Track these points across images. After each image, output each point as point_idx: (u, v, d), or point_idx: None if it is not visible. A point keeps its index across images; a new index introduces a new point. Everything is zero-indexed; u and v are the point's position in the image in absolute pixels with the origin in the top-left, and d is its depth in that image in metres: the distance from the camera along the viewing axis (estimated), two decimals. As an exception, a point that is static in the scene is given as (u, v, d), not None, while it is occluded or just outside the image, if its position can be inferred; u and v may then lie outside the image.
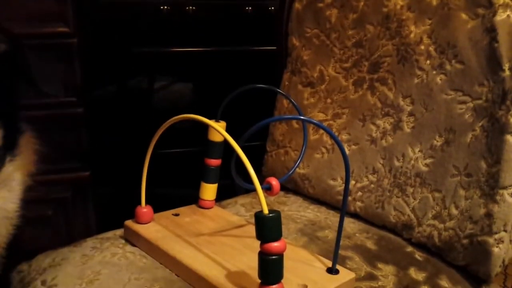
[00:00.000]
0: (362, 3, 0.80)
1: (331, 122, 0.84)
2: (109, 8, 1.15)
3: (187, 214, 0.73)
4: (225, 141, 0.52)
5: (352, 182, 0.80)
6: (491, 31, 0.64)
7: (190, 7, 1.19)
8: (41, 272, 0.64)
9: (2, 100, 0.55)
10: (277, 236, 0.49)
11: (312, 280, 0.56)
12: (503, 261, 0.65)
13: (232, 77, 1.25)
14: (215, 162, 0.75)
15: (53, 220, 1.00)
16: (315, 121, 0.56)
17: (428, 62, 0.72)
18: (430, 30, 0.71)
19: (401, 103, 0.75)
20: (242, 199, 0.86)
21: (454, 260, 0.68)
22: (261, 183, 0.50)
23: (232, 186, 0.90)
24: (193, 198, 0.77)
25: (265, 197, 0.49)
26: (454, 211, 0.67)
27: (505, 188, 0.63)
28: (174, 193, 1.23)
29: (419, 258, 0.69)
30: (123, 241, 0.69)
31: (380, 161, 0.77)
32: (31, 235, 0.95)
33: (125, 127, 1.22)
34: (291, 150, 0.90)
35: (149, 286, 0.58)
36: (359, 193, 0.79)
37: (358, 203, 0.79)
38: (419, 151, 0.72)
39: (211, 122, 0.55)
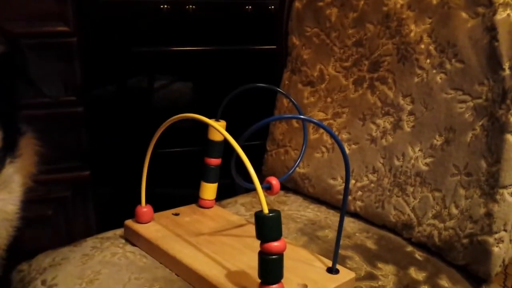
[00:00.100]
0: (362, 2, 0.80)
1: (331, 121, 0.84)
2: (109, 7, 1.15)
3: (187, 213, 0.73)
4: (225, 141, 0.52)
5: (352, 181, 0.80)
6: (491, 30, 0.64)
7: (190, 6, 1.19)
8: (41, 271, 0.64)
9: (2, 101, 0.55)
10: (277, 236, 0.48)
11: (312, 280, 0.56)
12: (503, 261, 0.65)
13: (232, 76, 1.25)
14: (215, 161, 0.75)
15: (53, 220, 1.00)
16: (315, 120, 0.56)
17: (428, 61, 0.71)
18: (430, 29, 0.71)
19: (401, 102, 0.75)
20: (242, 199, 0.86)
21: (454, 260, 0.68)
22: (261, 182, 0.50)
23: (232, 186, 0.89)
24: (193, 198, 0.77)
25: (265, 196, 0.49)
26: (454, 211, 0.67)
27: (505, 187, 0.63)
28: (174, 193, 1.23)
29: (419, 257, 0.69)
30: (123, 241, 0.69)
31: (380, 161, 0.77)
32: (31, 234, 0.95)
33: (125, 127, 1.22)
34: (291, 150, 0.90)
35: (149, 286, 0.58)
36: (359, 193, 0.79)
37: (358, 203, 0.79)
38: (419, 150, 0.72)
39: (211, 122, 0.55)
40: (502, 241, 0.63)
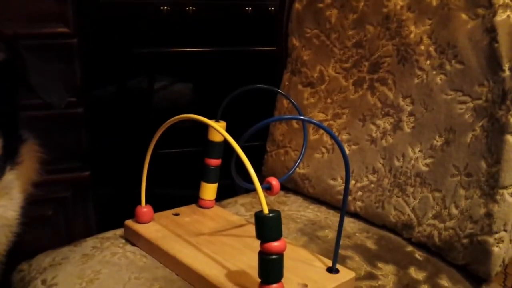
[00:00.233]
0: (362, 4, 0.80)
1: (331, 122, 0.84)
2: (109, 9, 1.15)
3: (187, 213, 0.73)
4: (225, 141, 0.52)
5: (352, 182, 0.80)
6: (491, 31, 0.64)
7: (190, 7, 1.19)
8: (41, 271, 0.64)
9: (3, 109, 0.55)
10: (277, 236, 0.49)
11: (312, 280, 0.56)
12: (503, 261, 0.65)
13: (232, 77, 1.25)
14: (215, 162, 0.75)
15: (53, 220, 1.00)
16: (315, 121, 0.56)
17: (428, 62, 0.72)
18: (430, 30, 0.71)
19: (401, 103, 0.75)
20: (242, 199, 0.86)
21: (454, 260, 0.68)
22: (261, 183, 0.50)
23: (232, 186, 0.90)
24: (193, 198, 0.77)
25: (265, 196, 0.49)
26: (454, 211, 0.67)
27: (505, 187, 0.63)
28: (174, 193, 1.23)
29: (419, 257, 0.69)
30: (123, 241, 0.69)
31: (380, 161, 0.77)
32: (31, 234, 0.95)
33: (125, 127, 1.22)
34: (291, 150, 0.90)
35: (149, 286, 0.58)
36: (359, 193, 0.79)
37: (358, 203, 0.79)
38: (419, 151, 0.72)
39: (211, 122, 0.55)
40: (502, 241, 0.63)
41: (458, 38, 0.68)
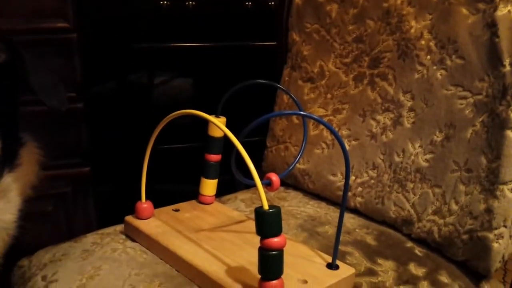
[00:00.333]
0: (362, -2, 0.80)
1: (331, 117, 0.84)
2: (109, 3, 1.15)
3: (187, 209, 0.73)
4: (225, 137, 0.52)
5: (352, 177, 0.80)
6: (491, 26, 0.64)
7: (190, 2, 1.18)
8: (42, 267, 0.64)
9: (2, 110, 0.54)
10: (277, 232, 0.49)
11: (312, 276, 0.56)
12: (503, 257, 0.65)
13: (232, 72, 1.25)
14: (215, 157, 0.75)
15: (53, 216, 1.00)
16: (315, 117, 0.56)
17: (428, 57, 0.71)
18: (430, 25, 0.71)
19: (401, 98, 0.75)
20: (242, 195, 0.86)
21: (454, 256, 0.68)
22: (261, 178, 0.50)
23: (232, 182, 0.90)
24: (193, 194, 0.77)
25: (265, 192, 0.49)
26: (454, 207, 0.67)
27: (505, 183, 0.63)
28: (174, 189, 1.23)
29: (419, 253, 0.69)
30: (123, 237, 0.69)
31: (380, 157, 0.77)
32: (31, 230, 0.95)
33: (125, 123, 1.22)
34: (291, 146, 0.90)
35: (149, 282, 0.58)
36: (359, 189, 0.79)
37: (358, 199, 0.79)
38: (419, 146, 0.72)
39: (211, 118, 0.55)
40: (502, 237, 0.63)
41: (458, 33, 0.68)
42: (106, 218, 0.82)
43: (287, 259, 0.50)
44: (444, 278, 0.64)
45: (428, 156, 0.71)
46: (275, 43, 1.03)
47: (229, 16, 1.23)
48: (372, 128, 0.78)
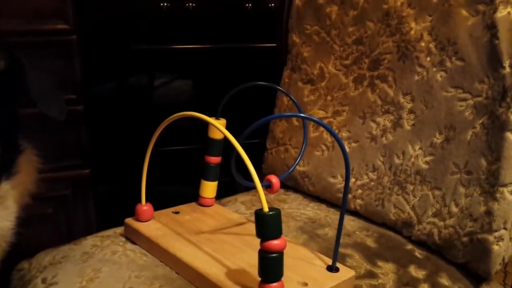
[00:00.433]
0: (362, 0, 0.80)
1: (331, 119, 0.84)
2: (109, 5, 1.15)
3: (187, 212, 0.73)
4: (225, 139, 0.52)
5: (352, 179, 0.80)
6: (491, 28, 0.64)
7: (190, 4, 1.18)
8: (42, 270, 0.64)
9: (0, 118, 0.54)
10: (277, 234, 0.49)
11: (312, 278, 0.56)
12: (503, 259, 0.65)
13: (232, 74, 1.25)
14: (215, 159, 0.75)
15: (53, 218, 1.00)
16: (315, 119, 0.56)
17: (428, 59, 0.71)
18: (430, 27, 0.71)
19: (401, 100, 0.75)
20: (242, 197, 0.86)
21: (454, 258, 0.68)
22: (261, 180, 0.50)
23: (232, 184, 0.89)
24: (193, 196, 0.77)
25: (265, 194, 0.49)
26: (454, 209, 0.67)
27: (505, 185, 0.63)
28: (174, 191, 1.23)
29: (419, 255, 0.69)
30: (123, 239, 0.69)
31: (380, 159, 0.77)
32: (31, 233, 0.95)
33: (125, 125, 1.21)
34: (291, 148, 0.90)
35: (149, 284, 0.58)
36: (359, 191, 0.79)
37: (358, 201, 0.79)
38: (419, 148, 0.72)
39: (211, 120, 0.55)
40: (502, 239, 0.63)
41: (458, 34, 0.68)
42: (106, 221, 0.82)
43: (287, 261, 0.50)
44: (444, 281, 0.64)
45: (428, 158, 0.71)
46: (275, 44, 1.03)
47: (229, 18, 1.23)
48: (372, 130, 0.78)
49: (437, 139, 0.70)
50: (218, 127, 0.53)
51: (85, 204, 1.02)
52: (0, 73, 0.53)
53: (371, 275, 0.63)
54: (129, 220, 0.69)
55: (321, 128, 0.86)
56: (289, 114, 0.89)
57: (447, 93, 0.69)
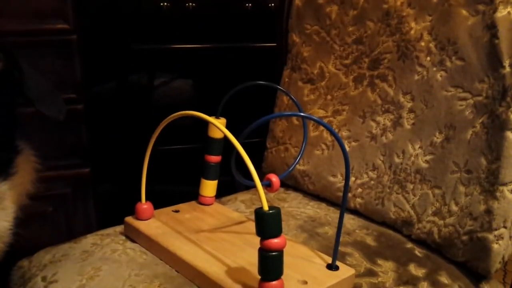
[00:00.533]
0: (362, 0, 0.80)
1: (331, 118, 0.84)
2: (109, 5, 1.15)
3: (187, 210, 0.73)
4: (225, 138, 0.52)
5: (352, 178, 0.80)
6: (491, 27, 0.64)
7: (190, 4, 1.19)
8: (42, 268, 0.64)
9: None
10: (277, 233, 0.49)
11: (312, 276, 0.56)
12: (503, 258, 0.65)
13: (232, 73, 1.25)
14: (215, 158, 0.75)
15: (53, 217, 1.00)
16: (315, 118, 0.56)
17: (428, 58, 0.71)
18: (430, 26, 0.71)
19: (401, 99, 0.75)
20: (242, 196, 0.86)
21: (453, 257, 0.68)
22: (261, 179, 0.50)
23: (232, 183, 0.90)
24: (193, 195, 0.77)
25: (265, 193, 0.49)
26: (454, 208, 0.67)
27: (505, 184, 0.63)
28: (174, 190, 1.23)
29: (418, 254, 0.69)
30: (123, 238, 0.69)
31: (380, 158, 0.77)
32: (31, 231, 0.95)
33: (125, 124, 1.22)
34: (291, 147, 0.90)
35: (149, 282, 0.58)
36: (359, 190, 0.79)
37: (358, 200, 0.79)
38: (419, 147, 0.72)
39: (211, 119, 0.55)
40: (502, 238, 0.63)
41: (458, 34, 0.68)
42: (106, 219, 0.82)
43: (287, 260, 0.50)
44: (444, 279, 0.64)
45: (428, 157, 0.71)
46: (275, 44, 1.03)
47: (229, 18, 1.23)
48: (372, 129, 0.78)
49: (437, 138, 0.70)
50: (218, 126, 0.53)
51: (85, 202, 1.02)
52: None
53: (371, 273, 0.63)
54: (129, 219, 0.69)
55: (321, 127, 0.86)
56: (289, 113, 0.89)
57: (447, 92, 0.69)
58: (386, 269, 0.64)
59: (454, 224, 0.67)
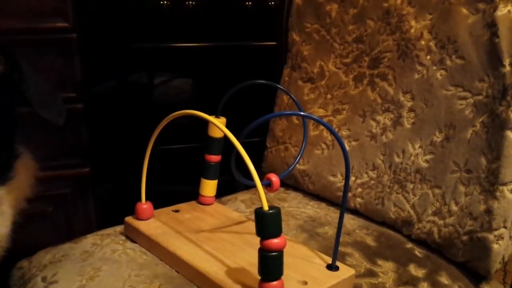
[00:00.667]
0: (362, -2, 0.80)
1: (331, 118, 0.84)
2: (108, 3, 1.15)
3: (187, 210, 0.73)
4: (225, 137, 0.52)
5: (352, 178, 0.80)
6: (491, 26, 0.64)
7: (190, 2, 1.18)
8: (42, 268, 0.64)
9: None
10: (277, 233, 0.49)
11: (312, 277, 0.56)
12: (503, 258, 0.65)
13: (232, 72, 1.25)
14: (215, 158, 0.75)
15: (53, 217, 1.00)
16: (315, 117, 0.56)
17: (428, 57, 0.71)
18: (430, 25, 0.71)
19: (401, 98, 0.75)
20: (242, 195, 0.86)
21: (453, 257, 0.68)
22: (261, 179, 0.50)
23: (232, 182, 0.90)
24: (193, 195, 0.77)
25: (265, 193, 0.49)
26: (454, 208, 0.67)
27: (505, 184, 0.63)
28: (174, 190, 1.23)
29: (418, 254, 0.69)
30: (123, 238, 0.69)
31: (380, 157, 0.77)
32: (31, 231, 0.95)
33: (125, 123, 1.22)
34: (291, 146, 0.90)
35: (149, 283, 0.58)
36: (359, 189, 0.79)
37: (358, 199, 0.79)
38: (419, 147, 0.72)
39: (211, 118, 0.55)
40: (502, 238, 0.63)
41: (458, 33, 0.68)
42: (106, 219, 0.82)
43: (287, 260, 0.50)
44: (444, 279, 0.64)
45: (428, 157, 0.71)
46: (275, 43, 1.03)
47: (229, 16, 1.23)
48: (372, 128, 0.78)
49: (437, 137, 0.70)
50: (218, 126, 0.53)
51: (85, 202, 1.02)
52: None
53: (371, 273, 0.63)
54: (129, 219, 0.69)
55: (321, 127, 0.86)
56: (289, 112, 0.89)
57: (447, 91, 0.69)
58: (386, 269, 0.64)
59: (454, 224, 0.67)
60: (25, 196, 0.60)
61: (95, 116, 1.08)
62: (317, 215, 0.79)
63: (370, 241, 0.71)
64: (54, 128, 0.93)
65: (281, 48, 0.98)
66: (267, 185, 0.56)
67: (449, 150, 0.69)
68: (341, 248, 0.66)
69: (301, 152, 0.74)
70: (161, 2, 1.16)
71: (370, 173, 0.78)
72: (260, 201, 0.48)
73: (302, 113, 0.59)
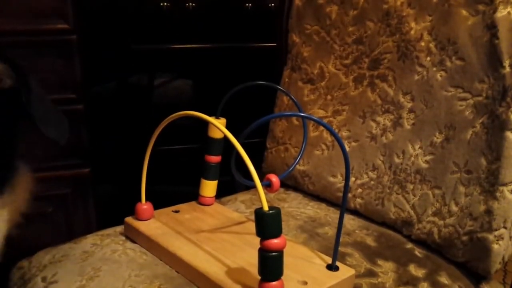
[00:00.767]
0: (362, 0, 0.80)
1: (331, 118, 0.84)
2: (109, 5, 1.15)
3: (187, 211, 0.73)
4: (225, 138, 0.52)
5: (352, 179, 0.80)
6: (491, 27, 0.64)
7: (190, 4, 1.19)
8: (41, 268, 0.64)
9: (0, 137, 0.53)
10: (277, 233, 0.49)
11: (312, 277, 0.56)
12: (503, 258, 0.65)
13: (232, 74, 1.25)
14: (215, 158, 0.75)
15: (53, 217, 1.00)
16: (315, 118, 0.56)
17: (428, 58, 0.71)
18: (430, 26, 0.71)
19: (401, 99, 0.75)
20: (242, 196, 0.86)
21: (453, 257, 0.68)
22: (261, 180, 0.50)
23: (232, 183, 0.90)
24: (193, 195, 0.77)
25: (265, 193, 0.49)
26: (454, 208, 0.67)
27: (505, 184, 0.63)
28: (174, 190, 1.23)
29: (418, 254, 0.69)
30: (123, 238, 0.69)
31: (380, 158, 0.77)
32: (31, 231, 0.94)
33: (125, 124, 1.22)
34: (291, 147, 0.90)
35: (149, 283, 0.58)
36: (359, 190, 0.79)
37: (358, 200, 0.79)
38: (419, 147, 0.72)
39: (211, 119, 0.55)
40: (502, 238, 0.63)
41: (458, 34, 0.68)
42: (106, 219, 0.82)
43: (287, 260, 0.50)
44: (444, 279, 0.64)
45: (428, 158, 0.71)
46: (275, 44, 1.03)
47: (229, 17, 1.24)
48: (372, 129, 0.78)
49: (437, 138, 0.70)
50: (218, 126, 0.53)
51: (85, 203, 1.02)
52: (5, 91, 0.52)
53: (371, 274, 0.63)
54: (129, 219, 0.69)
55: (321, 128, 0.86)
56: (289, 113, 0.89)
57: (447, 92, 0.69)
58: (386, 269, 0.64)
59: (454, 225, 0.67)
60: (21, 211, 0.60)
61: (95, 117, 1.08)
62: (317, 216, 0.79)
63: (370, 241, 0.71)
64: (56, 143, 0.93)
65: (281, 49, 0.98)
66: (267, 186, 0.56)
67: (449, 150, 0.69)
68: (341, 248, 0.66)
69: (301, 152, 0.74)
70: (161, 3, 1.16)
71: (370, 173, 0.78)
72: (260, 201, 0.48)
73: (302, 114, 0.59)
